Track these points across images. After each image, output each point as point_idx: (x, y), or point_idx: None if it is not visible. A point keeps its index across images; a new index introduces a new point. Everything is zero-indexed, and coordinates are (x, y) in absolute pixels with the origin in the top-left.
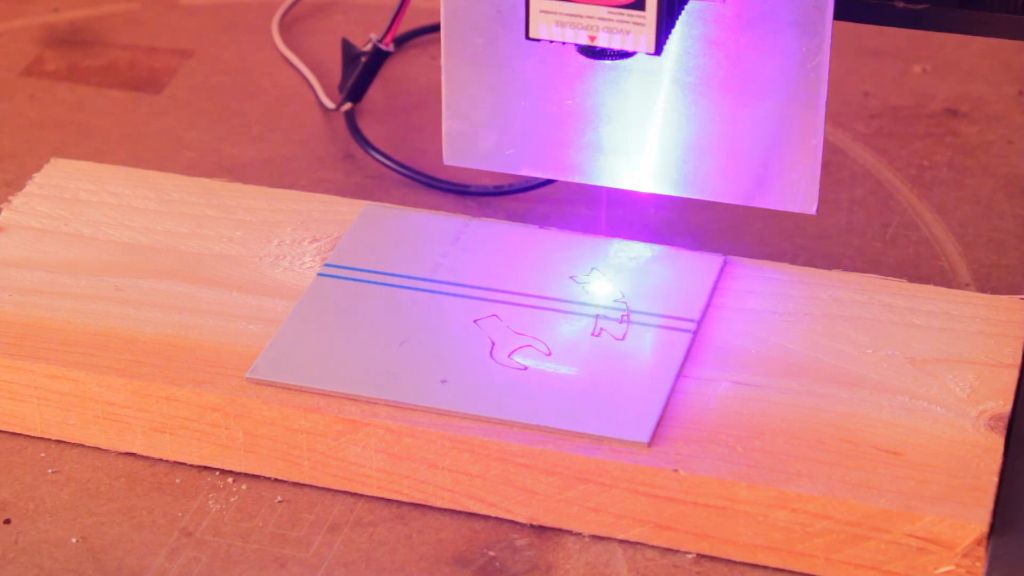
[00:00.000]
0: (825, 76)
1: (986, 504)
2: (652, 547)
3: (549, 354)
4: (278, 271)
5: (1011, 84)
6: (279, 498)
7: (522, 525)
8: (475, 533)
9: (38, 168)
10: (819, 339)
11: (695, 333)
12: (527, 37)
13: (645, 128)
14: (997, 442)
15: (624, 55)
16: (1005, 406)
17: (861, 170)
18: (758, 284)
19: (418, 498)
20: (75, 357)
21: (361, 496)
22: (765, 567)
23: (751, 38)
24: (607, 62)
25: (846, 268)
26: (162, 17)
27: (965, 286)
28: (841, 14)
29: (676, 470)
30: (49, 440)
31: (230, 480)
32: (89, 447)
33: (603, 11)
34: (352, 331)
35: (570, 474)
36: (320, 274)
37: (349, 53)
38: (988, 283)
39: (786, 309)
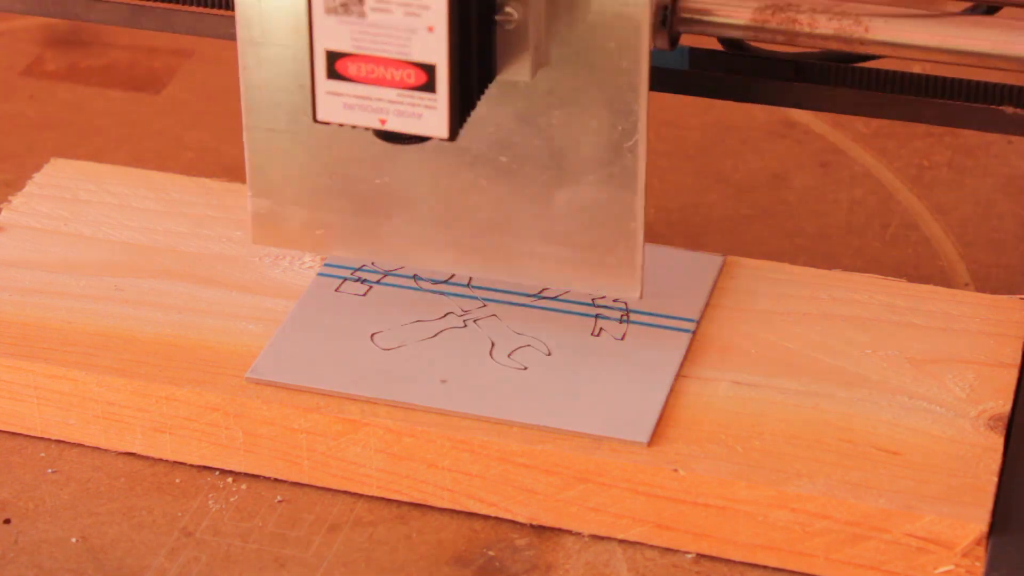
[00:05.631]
0: (642, 157)
1: (986, 504)
2: (652, 547)
3: (549, 354)
4: (278, 271)
5: None
6: (279, 498)
7: (522, 525)
8: (475, 533)
9: (38, 168)
10: (819, 339)
11: (695, 333)
12: (315, 120)
13: (459, 209)
14: (997, 442)
15: (420, 139)
16: (1005, 406)
17: (861, 170)
18: (758, 284)
19: (418, 498)
20: (75, 357)
21: (361, 496)
22: (765, 567)
23: (563, 117)
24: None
25: (846, 268)
26: None
27: (965, 286)
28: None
29: (676, 470)
30: (49, 440)
31: (230, 480)
32: (89, 447)
33: (392, 93)
34: (352, 331)
35: (570, 474)
36: (320, 274)
37: None
38: (988, 283)
39: (786, 309)
